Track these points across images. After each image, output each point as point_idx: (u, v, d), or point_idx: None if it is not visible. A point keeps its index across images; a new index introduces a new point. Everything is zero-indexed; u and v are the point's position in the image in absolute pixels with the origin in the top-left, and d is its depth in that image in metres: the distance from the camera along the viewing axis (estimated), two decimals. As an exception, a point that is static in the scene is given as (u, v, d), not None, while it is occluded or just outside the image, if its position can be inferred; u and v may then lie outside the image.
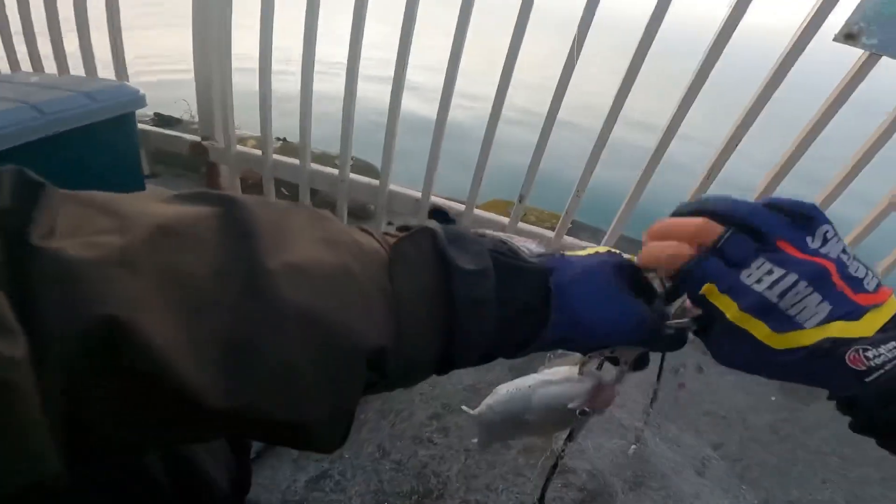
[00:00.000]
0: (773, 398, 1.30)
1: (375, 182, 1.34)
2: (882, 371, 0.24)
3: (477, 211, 1.31)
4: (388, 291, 0.23)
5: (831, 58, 1.00)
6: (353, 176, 1.37)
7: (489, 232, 0.31)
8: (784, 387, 1.34)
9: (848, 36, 0.76)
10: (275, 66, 1.28)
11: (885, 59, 0.79)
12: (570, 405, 0.43)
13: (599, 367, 0.41)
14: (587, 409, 0.44)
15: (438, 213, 0.30)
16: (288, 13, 1.34)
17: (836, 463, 1.17)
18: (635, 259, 0.34)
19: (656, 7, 0.91)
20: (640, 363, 0.40)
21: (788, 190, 1.00)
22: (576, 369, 0.44)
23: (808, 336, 0.26)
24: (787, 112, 1.26)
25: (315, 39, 1.20)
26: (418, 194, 1.32)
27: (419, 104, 2.95)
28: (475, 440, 0.51)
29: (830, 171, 1.02)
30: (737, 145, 1.02)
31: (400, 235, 0.27)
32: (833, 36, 0.78)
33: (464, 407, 0.50)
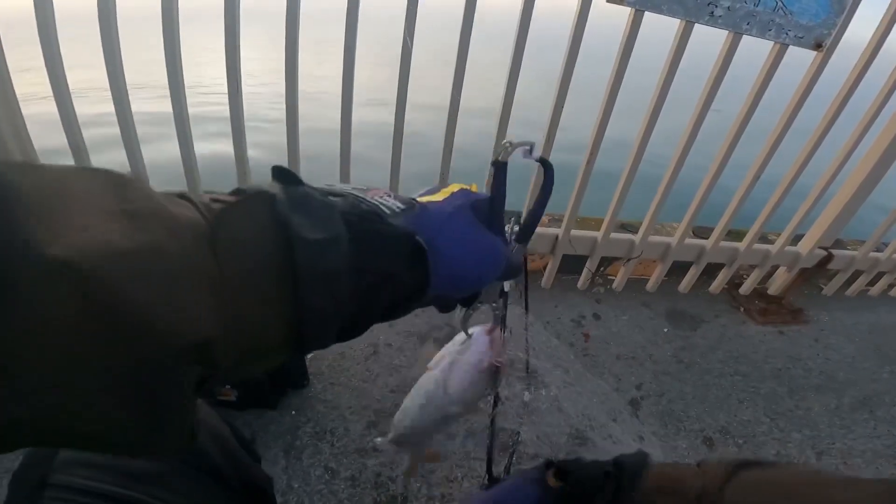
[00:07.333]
0: (666, 329, 1.49)
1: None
2: None
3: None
4: (212, 272, 0.20)
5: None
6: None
7: (347, 188, 0.28)
8: (670, 317, 1.55)
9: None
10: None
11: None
12: (485, 365, 0.43)
13: (467, 317, 0.42)
14: (499, 362, 0.44)
15: (283, 173, 0.25)
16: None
17: (740, 382, 1.32)
18: (483, 191, 0.36)
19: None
20: (501, 295, 0.44)
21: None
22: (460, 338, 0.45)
23: None
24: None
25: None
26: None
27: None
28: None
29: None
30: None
31: (228, 201, 0.22)
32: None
33: (378, 440, 0.47)
